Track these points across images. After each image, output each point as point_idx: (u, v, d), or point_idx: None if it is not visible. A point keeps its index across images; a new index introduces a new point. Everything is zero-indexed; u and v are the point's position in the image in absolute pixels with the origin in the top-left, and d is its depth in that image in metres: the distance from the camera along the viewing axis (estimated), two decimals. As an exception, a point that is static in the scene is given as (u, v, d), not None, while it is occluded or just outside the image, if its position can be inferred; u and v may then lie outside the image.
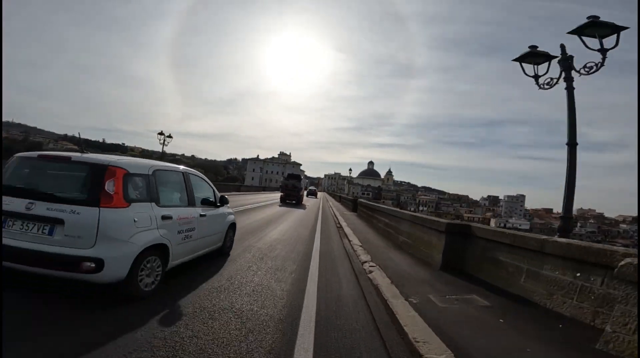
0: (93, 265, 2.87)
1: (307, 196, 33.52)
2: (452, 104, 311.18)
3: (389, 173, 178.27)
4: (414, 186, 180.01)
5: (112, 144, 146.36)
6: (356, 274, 5.67)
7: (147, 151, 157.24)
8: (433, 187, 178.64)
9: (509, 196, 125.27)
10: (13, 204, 2.99)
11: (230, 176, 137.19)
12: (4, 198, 2.98)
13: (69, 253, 2.86)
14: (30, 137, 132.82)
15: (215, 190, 5.35)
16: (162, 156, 28.31)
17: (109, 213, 3.03)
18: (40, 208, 2.96)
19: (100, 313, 2.85)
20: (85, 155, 3.38)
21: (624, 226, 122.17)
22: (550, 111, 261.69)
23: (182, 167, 4.69)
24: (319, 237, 9.29)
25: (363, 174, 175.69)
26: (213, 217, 5.02)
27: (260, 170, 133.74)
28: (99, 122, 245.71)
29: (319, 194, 61.57)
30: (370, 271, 5.50)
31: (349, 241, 8.99)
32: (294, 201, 23.46)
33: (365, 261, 6.26)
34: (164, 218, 3.63)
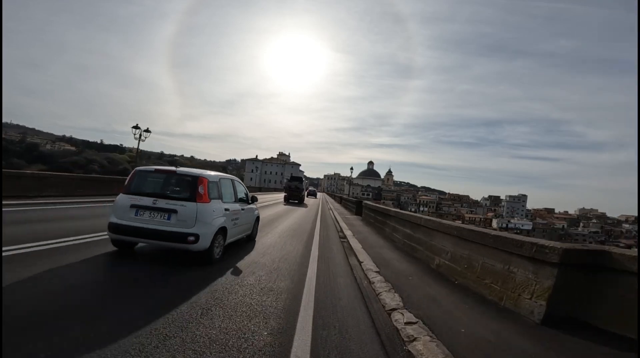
0: (193, 238, 4.60)
1: (307, 196, 35.81)
2: (451, 104, 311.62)
3: (389, 173, 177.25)
4: (414, 186, 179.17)
5: (110, 145, 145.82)
6: (383, 344, 2.99)
7: (146, 151, 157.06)
8: (432, 187, 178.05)
9: (510, 196, 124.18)
10: (143, 201, 4.71)
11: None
12: (136, 196, 4.77)
13: (180, 231, 4.59)
14: (28, 138, 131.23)
15: (248, 191, 7.13)
16: (137, 153, 25.73)
17: (201, 206, 4.79)
18: (162, 203, 4.70)
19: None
20: (182, 169, 5.21)
21: (626, 226, 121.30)
22: (549, 111, 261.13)
23: (230, 176, 6.57)
24: (317, 257, 6.49)
25: (363, 175, 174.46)
26: (247, 211, 6.81)
27: (256, 169, 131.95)
28: (99, 123, 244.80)
29: (319, 194, 62.18)
30: (411, 339, 2.97)
31: (359, 262, 6.38)
32: (296, 201, 25.63)
33: (394, 309, 3.75)
34: (225, 210, 5.48)
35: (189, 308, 3.21)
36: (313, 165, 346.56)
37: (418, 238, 7.32)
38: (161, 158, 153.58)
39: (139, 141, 21.34)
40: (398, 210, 10.84)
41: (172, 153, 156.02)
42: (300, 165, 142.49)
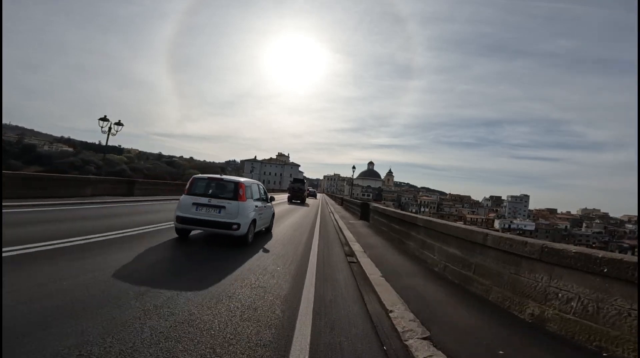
0: (236, 226, 6.40)
1: (307, 197, 37.57)
2: (451, 104, 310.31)
3: (390, 173, 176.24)
4: (414, 186, 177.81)
5: (109, 146, 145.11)
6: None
7: (144, 152, 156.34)
8: (432, 188, 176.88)
9: (512, 197, 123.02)
10: (201, 200, 6.54)
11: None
12: (196, 197, 6.63)
13: (228, 221, 6.40)
14: (26, 139, 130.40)
15: (266, 192, 8.92)
16: (105, 148, 22.43)
17: (242, 203, 6.67)
18: (215, 201, 6.54)
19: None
20: (227, 176, 7.32)
21: (629, 226, 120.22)
22: (549, 111, 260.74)
23: (256, 181, 8.78)
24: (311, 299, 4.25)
25: (363, 175, 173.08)
26: (267, 208, 8.62)
27: (252, 170, 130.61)
28: (97, 124, 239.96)
29: (318, 195, 63.22)
30: None
31: (384, 309, 3.76)
32: (299, 201, 27.88)
33: None
34: (255, 206, 7.31)
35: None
36: (313, 166, 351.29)
37: (480, 264, 4.63)
38: (160, 158, 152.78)
39: (108, 135, 18.86)
40: (430, 219, 7.13)
41: (171, 153, 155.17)
42: (299, 166, 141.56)
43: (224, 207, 6.58)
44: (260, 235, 8.31)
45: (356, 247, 8.05)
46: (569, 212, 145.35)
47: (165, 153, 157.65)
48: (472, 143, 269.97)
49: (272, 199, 9.19)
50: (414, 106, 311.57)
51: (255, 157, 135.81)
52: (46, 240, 5.08)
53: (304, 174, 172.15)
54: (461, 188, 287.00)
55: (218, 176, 7.30)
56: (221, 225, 6.48)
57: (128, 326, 2.65)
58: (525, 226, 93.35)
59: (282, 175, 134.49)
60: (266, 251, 6.67)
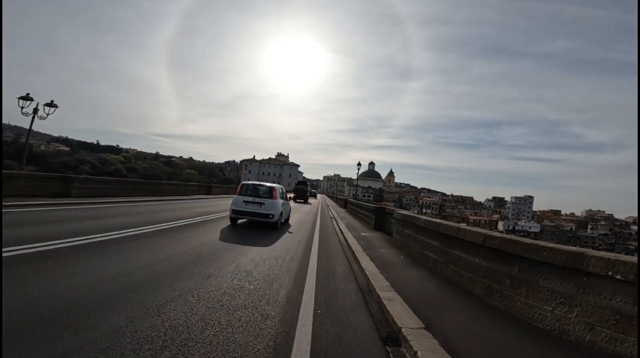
0: (272, 216, 10.02)
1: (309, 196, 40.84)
2: (449, 105, 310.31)
3: (391, 174, 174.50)
4: (414, 187, 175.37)
5: (107, 146, 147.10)
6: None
7: (143, 152, 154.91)
8: (432, 188, 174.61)
9: (516, 198, 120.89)
10: (248, 199, 10.13)
11: (224, 178, 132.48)
12: (245, 196, 10.26)
13: (266, 212, 9.99)
14: (22, 139, 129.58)
15: (286, 193, 13.48)
16: (28, 135, 15.83)
17: (275, 201, 10.32)
18: (258, 199, 10.17)
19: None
20: (265, 183, 11.30)
21: (635, 227, 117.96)
22: (547, 112, 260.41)
23: (280, 185, 12.63)
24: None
25: (363, 176, 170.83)
26: (286, 204, 12.28)
27: (246, 169, 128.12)
28: (98, 125, 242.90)
29: (318, 196, 64.48)
30: None
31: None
32: (302, 201, 33.35)
33: None
34: (282, 204, 10.96)
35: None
36: (312, 166, 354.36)
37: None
38: (157, 158, 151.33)
39: (33, 119, 14.54)
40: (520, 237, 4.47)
41: (171, 154, 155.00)
42: (299, 166, 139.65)
43: (263, 203, 10.18)
44: (284, 224, 11.91)
45: (380, 286, 4.60)
46: (574, 213, 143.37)
47: (165, 153, 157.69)
48: (470, 144, 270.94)
49: (289, 198, 14.11)
50: (412, 108, 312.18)
51: (254, 157, 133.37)
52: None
53: (304, 175, 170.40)
54: (460, 188, 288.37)
55: (259, 182, 11.51)
56: (262, 215, 10.08)
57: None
58: (530, 228, 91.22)
59: (282, 175, 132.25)
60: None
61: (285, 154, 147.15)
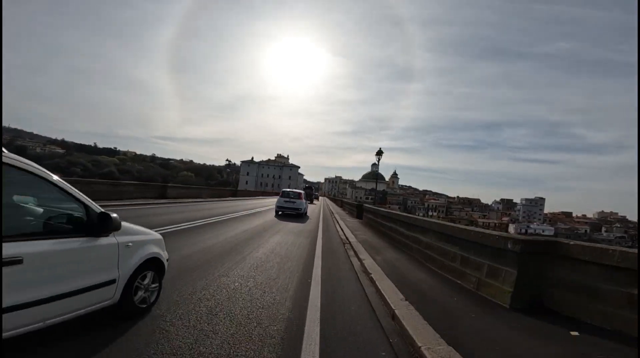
0: (301, 209, 17.89)
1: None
2: (450, 107, 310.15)
3: (394, 175, 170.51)
4: (416, 189, 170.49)
5: (104, 148, 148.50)
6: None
7: (140, 155, 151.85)
8: (434, 190, 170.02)
9: (527, 200, 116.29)
10: (286, 199, 18.14)
11: (222, 180, 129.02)
12: (284, 198, 18.20)
13: (298, 207, 17.76)
14: (18, 141, 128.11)
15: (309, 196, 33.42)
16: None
17: (303, 201, 18.61)
18: (292, 200, 18.06)
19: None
20: (295, 189, 21.89)
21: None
22: (548, 113, 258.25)
23: (301, 190, 23.60)
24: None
25: (366, 177, 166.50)
26: (307, 203, 21.40)
27: (245, 171, 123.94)
28: (98, 128, 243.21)
29: (320, 198, 63.15)
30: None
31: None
32: (309, 201, 36.46)
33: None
34: (305, 202, 19.45)
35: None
36: (314, 169, 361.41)
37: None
38: (153, 161, 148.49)
39: None
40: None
41: (172, 156, 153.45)
42: (299, 167, 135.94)
43: (295, 202, 17.66)
44: (304, 213, 18.46)
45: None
46: (585, 215, 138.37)
47: (167, 156, 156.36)
48: (471, 146, 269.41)
49: (317, 197, 48.37)
50: (413, 109, 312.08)
51: (252, 158, 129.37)
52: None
53: (304, 177, 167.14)
54: (462, 190, 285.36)
55: (291, 189, 20.05)
56: (295, 209, 17.42)
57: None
58: (543, 231, 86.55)
59: (281, 177, 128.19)
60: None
61: (286, 156, 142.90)
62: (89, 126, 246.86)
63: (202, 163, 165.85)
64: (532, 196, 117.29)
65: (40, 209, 2.58)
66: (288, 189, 19.34)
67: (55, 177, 2.52)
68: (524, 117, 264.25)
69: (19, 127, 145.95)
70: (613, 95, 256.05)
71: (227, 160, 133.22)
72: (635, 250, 3.41)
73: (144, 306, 3.26)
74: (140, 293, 3.20)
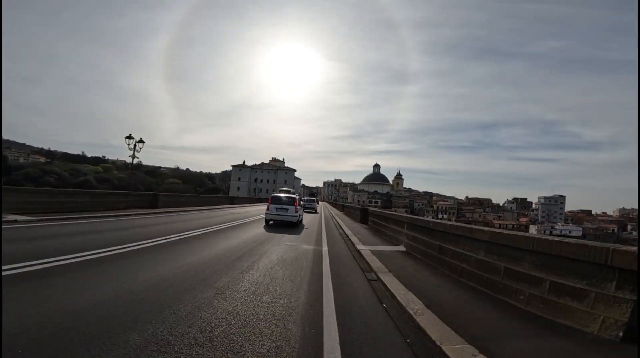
0: (295, 219, 15.61)
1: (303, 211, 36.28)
2: (446, 108, 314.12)
3: (399, 176, 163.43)
4: (415, 191, 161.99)
5: (93, 157, 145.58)
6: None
7: (128, 163, 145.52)
8: (434, 192, 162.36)
9: (545, 198, 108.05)
10: (277, 206, 15.54)
11: (212, 187, 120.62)
12: (275, 205, 15.60)
13: (293, 215, 15.48)
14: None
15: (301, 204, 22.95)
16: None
17: (295, 207, 15.78)
18: (284, 206, 15.56)
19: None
20: (290, 194, 18.06)
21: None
22: (543, 112, 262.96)
23: (296, 195, 20.83)
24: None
25: (368, 180, 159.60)
26: (301, 210, 18.34)
27: (239, 177, 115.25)
28: (94, 138, 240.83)
29: (319, 204, 51.26)
30: None
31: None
32: (313, 210, 36.72)
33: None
34: (299, 209, 17.14)
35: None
36: (312, 174, 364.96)
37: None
38: (139, 168, 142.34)
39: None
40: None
41: (168, 165, 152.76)
42: (295, 171, 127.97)
43: (288, 209, 15.27)
44: (300, 223, 16.83)
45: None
46: (605, 213, 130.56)
47: (163, 165, 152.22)
48: (469, 146, 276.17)
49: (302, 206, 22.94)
50: (410, 112, 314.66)
51: (244, 162, 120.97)
52: None
53: (303, 183, 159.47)
54: (464, 191, 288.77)
55: (283, 194, 17.13)
56: (291, 218, 15.27)
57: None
58: (570, 232, 78.29)
59: (276, 182, 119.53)
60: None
61: (281, 159, 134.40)
62: (85, 137, 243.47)
63: (198, 170, 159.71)
64: (550, 194, 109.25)
65: None
66: (281, 195, 16.80)
67: None
68: (519, 117, 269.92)
69: (11, 139, 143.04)
70: (605, 92, 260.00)
71: (232, 165, 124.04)
72: None
73: None
74: None
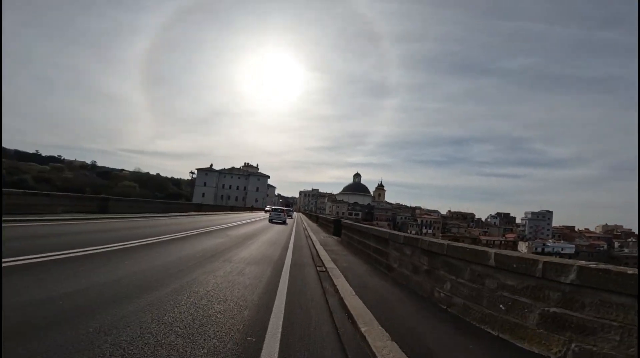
0: (285, 219, 33.38)
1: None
2: (421, 122, 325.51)
3: (381, 186, 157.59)
4: (397, 204, 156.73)
5: (48, 156, 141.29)
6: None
7: (88, 164, 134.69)
8: (409, 205, 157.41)
9: (532, 213, 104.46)
10: (275, 212, 32.88)
11: (175, 192, 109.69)
12: (273, 212, 33.10)
13: (282, 218, 32.30)
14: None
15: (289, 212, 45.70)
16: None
17: (284, 215, 34.21)
18: (279, 213, 32.79)
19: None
20: (282, 207, 44.12)
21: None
22: (511, 129, 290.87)
23: (291, 208, 62.75)
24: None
25: (348, 190, 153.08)
26: (288, 216, 40.64)
27: (205, 182, 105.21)
28: (63, 140, 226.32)
29: (294, 215, 56.24)
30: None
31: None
32: (289, 216, 46.06)
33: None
34: (287, 215, 37.75)
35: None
36: (290, 185, 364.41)
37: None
38: (92, 169, 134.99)
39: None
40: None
41: (140, 170, 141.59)
42: (268, 177, 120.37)
43: (280, 215, 31.44)
44: (285, 223, 30.71)
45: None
46: (588, 229, 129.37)
47: (142, 169, 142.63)
48: (441, 161, 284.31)
49: (290, 215, 43.74)
50: (387, 125, 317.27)
51: (212, 165, 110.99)
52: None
53: (279, 192, 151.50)
54: (439, 204, 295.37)
55: (279, 207, 37.94)
56: (281, 219, 30.76)
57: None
58: (562, 249, 73.62)
59: (247, 189, 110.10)
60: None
61: (255, 165, 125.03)
62: (53, 139, 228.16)
63: (169, 176, 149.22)
64: (537, 209, 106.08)
65: None
66: (277, 207, 39.38)
67: None
68: (489, 133, 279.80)
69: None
70: (568, 109, 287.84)
71: (191, 172, 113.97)
72: None
73: None
74: None
